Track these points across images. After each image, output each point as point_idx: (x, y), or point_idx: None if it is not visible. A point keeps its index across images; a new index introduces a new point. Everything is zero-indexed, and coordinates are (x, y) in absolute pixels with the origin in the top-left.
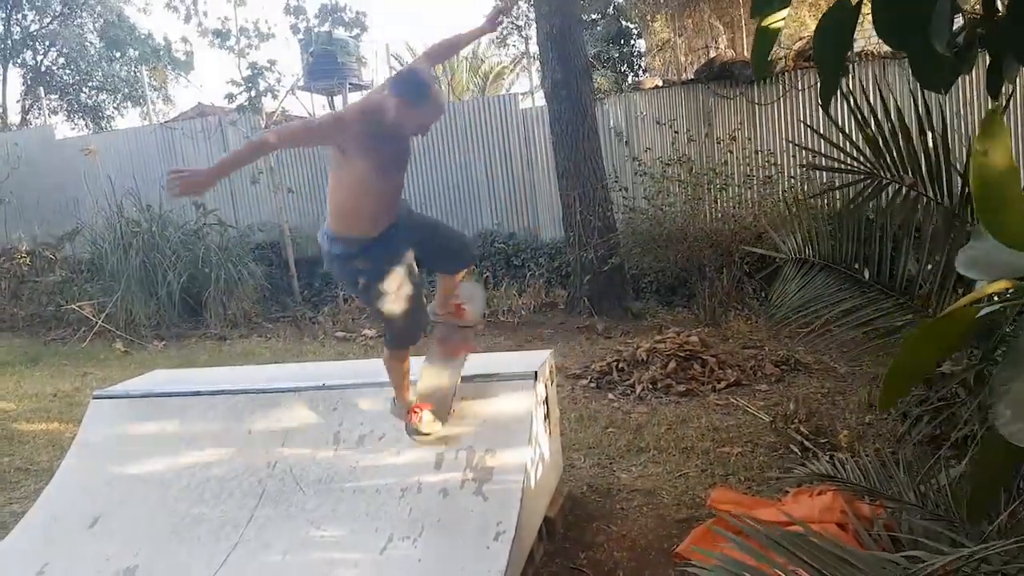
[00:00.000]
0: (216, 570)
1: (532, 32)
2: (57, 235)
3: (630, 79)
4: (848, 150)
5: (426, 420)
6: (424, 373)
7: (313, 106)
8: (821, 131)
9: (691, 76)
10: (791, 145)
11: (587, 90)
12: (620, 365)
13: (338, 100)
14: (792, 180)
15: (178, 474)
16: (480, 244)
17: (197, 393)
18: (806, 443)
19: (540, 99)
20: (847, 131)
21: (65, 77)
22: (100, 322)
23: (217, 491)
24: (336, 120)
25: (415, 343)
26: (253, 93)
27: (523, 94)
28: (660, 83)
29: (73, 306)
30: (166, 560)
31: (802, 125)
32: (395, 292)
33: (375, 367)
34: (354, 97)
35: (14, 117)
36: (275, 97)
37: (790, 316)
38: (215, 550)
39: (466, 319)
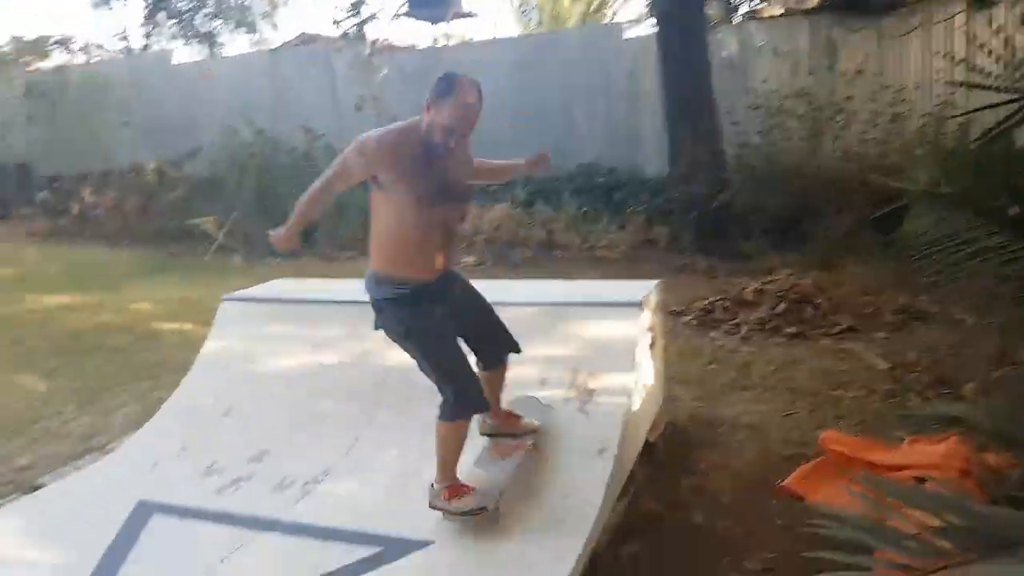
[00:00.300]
0: (339, 459)
1: None
2: (179, 154)
3: (747, 6)
4: (995, 73)
5: (464, 502)
6: (476, 477)
7: (416, 34)
8: (958, 69)
9: (815, 4)
10: (926, 81)
11: (700, 17)
12: (724, 304)
13: (441, 28)
14: (925, 119)
15: (302, 374)
16: (580, 178)
17: (319, 301)
18: (927, 392)
19: (648, 27)
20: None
21: (181, 4)
22: (222, 237)
23: (338, 393)
24: (358, 149)
25: (480, 411)
26: (358, 20)
27: (629, 22)
28: (780, 11)
29: (196, 221)
30: (293, 449)
31: (938, 58)
32: (449, 350)
33: (483, 285)
34: (457, 27)
35: (136, 42)
36: (379, 24)
37: (918, 256)
38: (337, 444)
39: (520, 428)
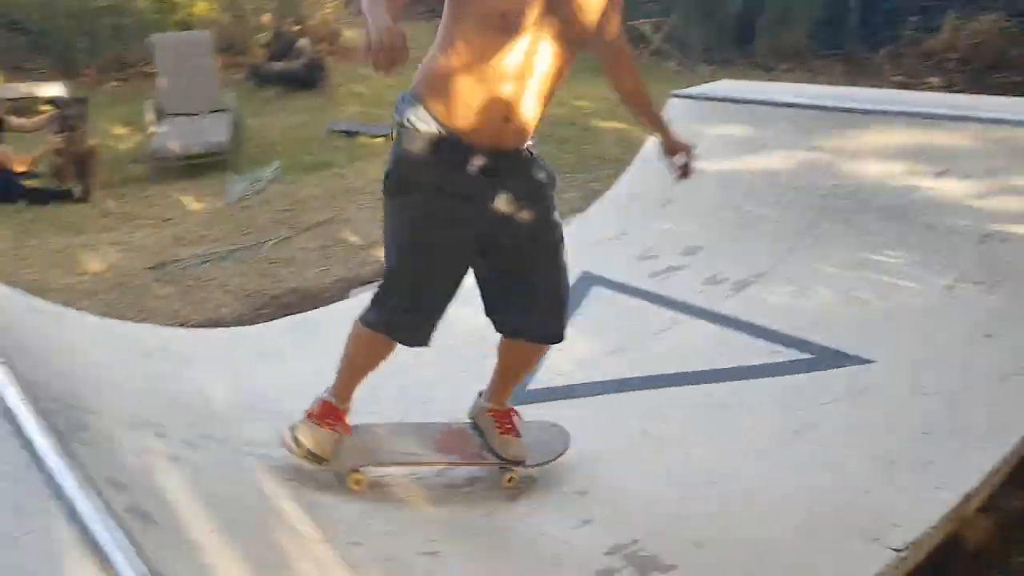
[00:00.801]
0: (773, 265)
1: None
2: None
3: None
4: None
5: (320, 437)
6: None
7: None
8: None
9: None
10: None
11: None
12: None
13: None
14: None
15: (742, 175)
16: None
17: (769, 103)
18: None
19: None
20: None
21: None
22: (658, 41)
23: (779, 198)
24: None
25: (402, 340)
26: None
27: None
28: None
29: (634, 23)
30: (725, 248)
31: None
32: (422, 251)
33: (957, 100)
34: None
35: None
36: None
37: None
38: (772, 249)
39: (499, 441)
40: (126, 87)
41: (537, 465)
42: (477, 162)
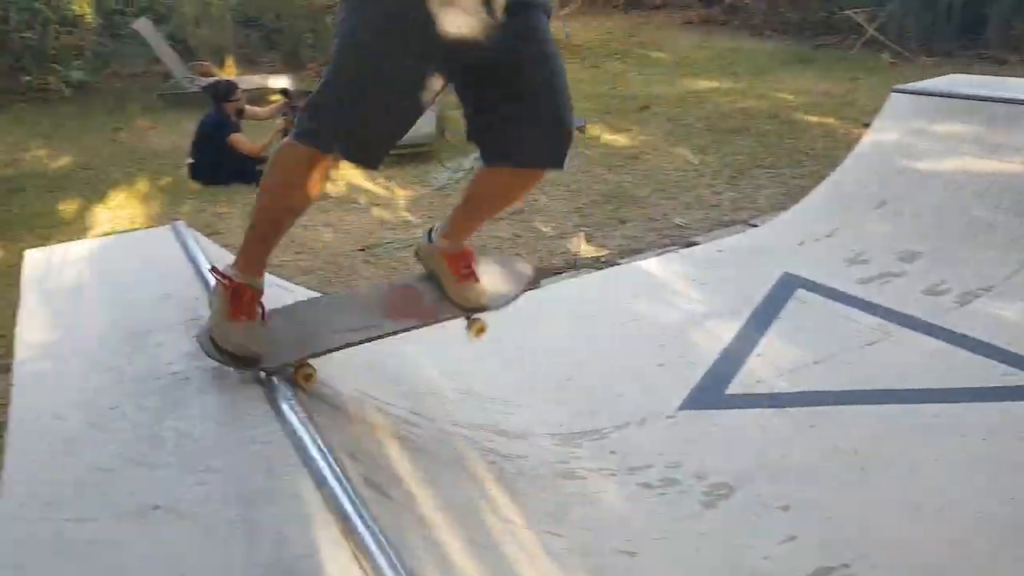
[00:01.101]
0: (1006, 276)
1: None
2: None
3: None
4: None
5: (229, 332)
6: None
7: None
8: None
9: None
10: None
11: None
12: None
13: None
14: None
15: (972, 177)
16: None
17: (1004, 100)
18: None
19: None
20: None
21: None
22: (872, 30)
23: (1012, 205)
24: None
25: (338, 153)
26: None
27: None
28: None
29: (847, 12)
30: (949, 255)
31: None
32: (392, 46)
33: None
34: None
35: None
36: None
37: None
38: (1003, 260)
39: (471, 294)
40: None
41: (502, 306)
42: None
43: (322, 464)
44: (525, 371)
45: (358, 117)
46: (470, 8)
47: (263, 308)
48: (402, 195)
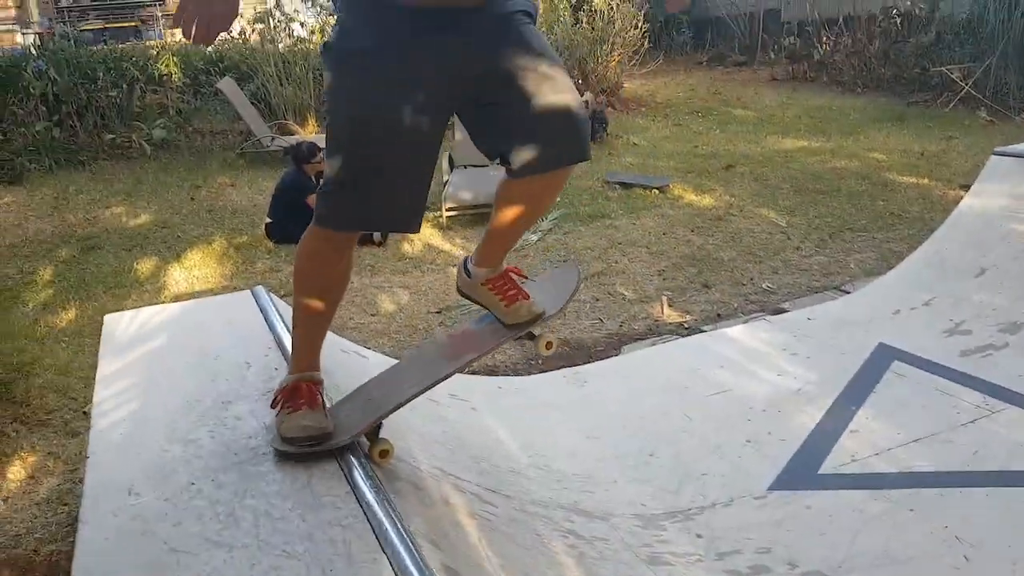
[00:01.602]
0: None
1: None
2: None
3: None
4: None
5: (299, 420)
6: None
7: None
8: None
9: None
10: None
11: None
12: None
13: None
14: None
15: None
16: None
17: None
18: None
19: None
20: None
21: None
22: (968, 87)
23: None
24: None
25: (346, 227)
26: None
27: None
28: None
29: (941, 69)
30: None
31: None
32: (361, 123)
33: None
34: None
35: None
36: None
37: None
38: None
39: (522, 311)
40: None
41: (559, 311)
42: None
43: (403, 552)
44: (606, 445)
45: (377, 188)
46: (448, 35)
47: (322, 397)
48: None
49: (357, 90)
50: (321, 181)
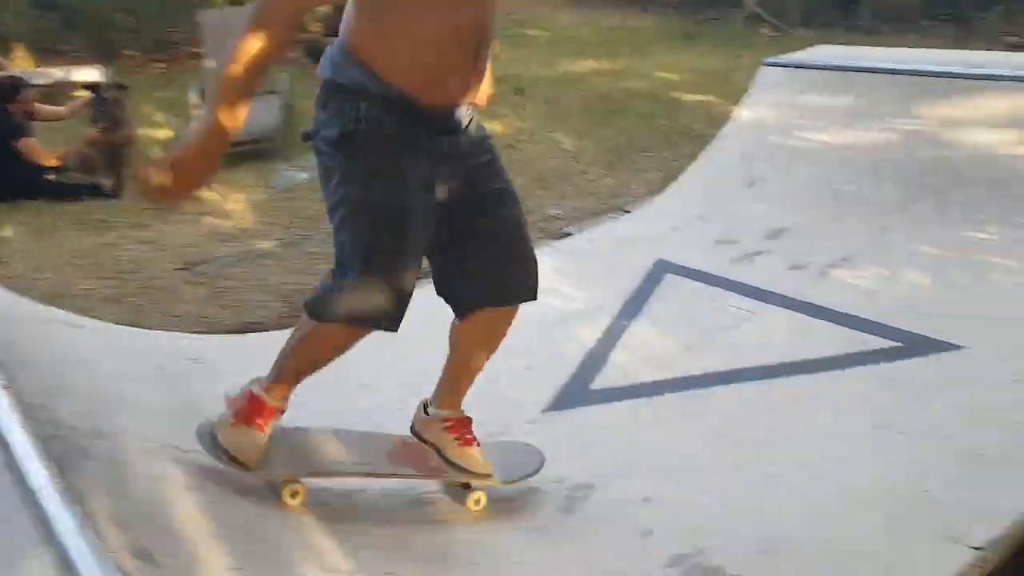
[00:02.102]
0: (863, 247)
1: None
2: None
3: None
4: None
5: (246, 440)
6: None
7: None
8: None
9: None
10: None
11: None
12: None
13: None
14: None
15: (839, 150)
16: None
17: (870, 69)
18: None
19: None
20: None
21: None
22: (753, 6)
23: (875, 173)
24: None
25: (381, 327)
26: None
27: None
28: None
29: None
30: (813, 229)
31: None
32: (398, 221)
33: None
34: None
35: None
36: None
37: None
38: (864, 229)
39: (458, 455)
40: (171, 69)
41: (509, 482)
42: (459, 115)
43: (73, 540)
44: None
45: (399, 276)
46: (449, 157)
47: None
48: (237, 200)
49: (397, 180)
50: (343, 273)
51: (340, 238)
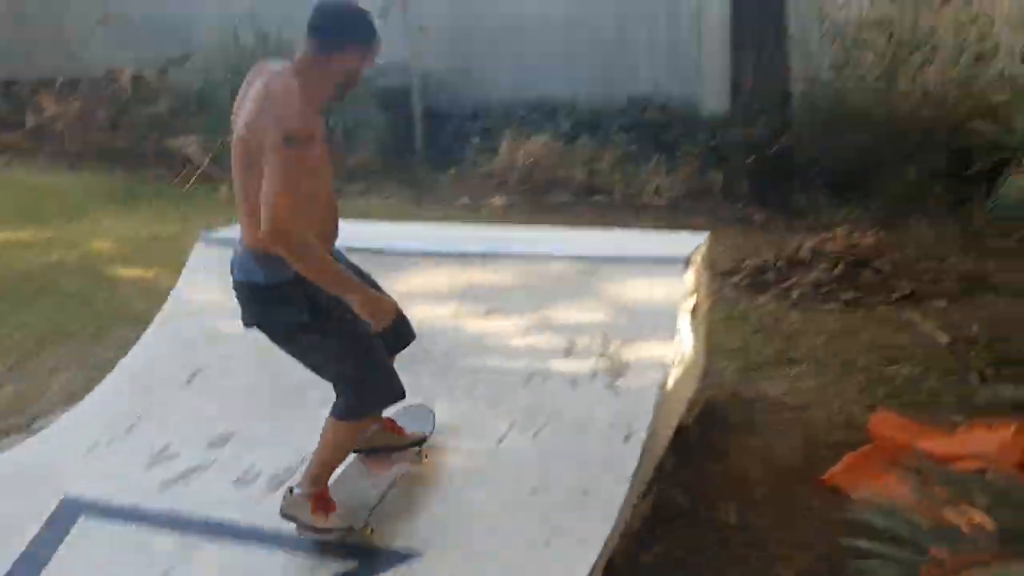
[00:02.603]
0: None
1: None
2: (165, 59)
3: None
4: None
5: (328, 519)
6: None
7: None
8: None
9: None
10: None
11: None
12: (778, 264)
13: None
14: (1012, 58)
15: None
16: (631, 112)
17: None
18: (988, 371)
19: None
20: None
21: None
22: (206, 163)
23: None
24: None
25: (394, 401)
26: None
27: None
28: None
29: (176, 142)
30: (267, 425)
31: None
32: (368, 333)
33: (509, 234)
34: None
35: None
36: None
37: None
38: (321, 414)
39: (402, 439)
40: None
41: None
42: None
43: None
44: None
45: (388, 373)
46: None
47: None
48: None
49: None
50: (356, 390)
51: (337, 358)
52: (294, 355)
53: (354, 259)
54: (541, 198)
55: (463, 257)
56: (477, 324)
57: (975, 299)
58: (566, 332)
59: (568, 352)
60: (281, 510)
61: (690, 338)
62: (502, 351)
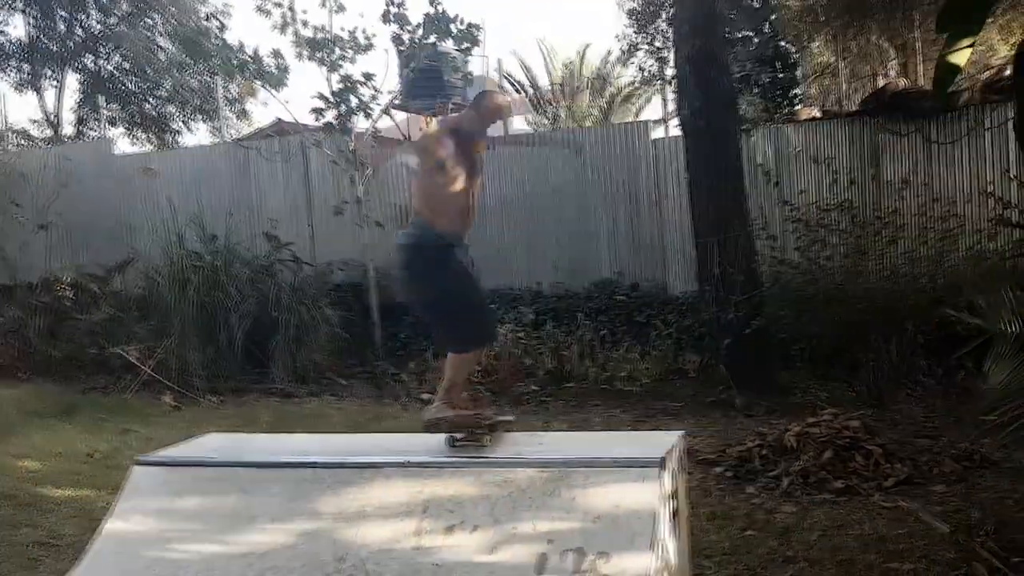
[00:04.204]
0: None
1: (669, 54)
2: (106, 266)
3: (783, 109)
4: None
5: (467, 417)
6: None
7: (408, 128)
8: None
9: (856, 107)
10: (978, 194)
11: (732, 120)
12: (763, 451)
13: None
14: (979, 235)
15: (231, 560)
16: (598, 296)
17: (257, 464)
18: (995, 562)
19: (675, 128)
20: None
21: (128, 85)
22: (148, 370)
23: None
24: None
25: (491, 340)
26: (343, 110)
27: (655, 121)
28: (818, 114)
29: (118, 350)
30: None
31: (989, 170)
32: (478, 287)
33: None
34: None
35: (68, 128)
36: (368, 116)
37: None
38: None
39: (484, 416)
40: None
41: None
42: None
43: None
44: None
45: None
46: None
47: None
48: None
49: (458, 268)
50: (465, 327)
51: (451, 305)
52: (434, 308)
53: (305, 475)
54: (507, 390)
55: (421, 468)
56: (437, 545)
57: (974, 481)
58: (538, 545)
59: (540, 569)
60: (424, 421)
61: (673, 545)
62: (465, 572)
